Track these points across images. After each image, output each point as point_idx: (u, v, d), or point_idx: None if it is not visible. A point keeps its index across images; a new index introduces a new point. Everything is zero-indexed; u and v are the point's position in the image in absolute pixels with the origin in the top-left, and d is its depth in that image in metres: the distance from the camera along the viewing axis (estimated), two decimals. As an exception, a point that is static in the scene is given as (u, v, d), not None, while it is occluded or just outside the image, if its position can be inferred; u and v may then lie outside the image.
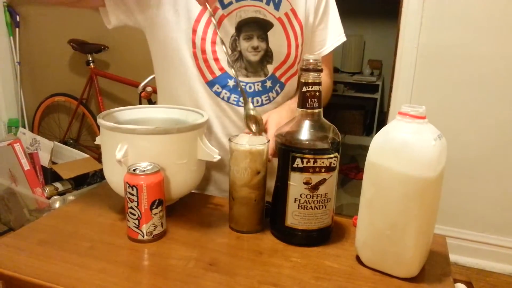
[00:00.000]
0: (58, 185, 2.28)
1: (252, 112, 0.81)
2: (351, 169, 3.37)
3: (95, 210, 0.83)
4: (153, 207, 0.70)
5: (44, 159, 2.37)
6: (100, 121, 0.77)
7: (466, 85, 2.03)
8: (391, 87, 2.19)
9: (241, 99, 0.91)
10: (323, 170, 0.68)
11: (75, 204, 0.87)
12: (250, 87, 0.92)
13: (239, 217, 0.76)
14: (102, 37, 2.75)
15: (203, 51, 0.87)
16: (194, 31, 0.87)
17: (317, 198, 0.69)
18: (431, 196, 0.61)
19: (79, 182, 2.35)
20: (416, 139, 0.60)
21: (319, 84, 0.69)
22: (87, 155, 2.47)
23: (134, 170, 0.69)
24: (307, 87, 0.68)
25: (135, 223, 0.70)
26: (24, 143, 2.37)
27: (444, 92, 2.07)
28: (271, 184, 0.76)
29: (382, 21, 3.93)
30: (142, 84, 2.29)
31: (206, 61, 0.88)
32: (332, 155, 0.68)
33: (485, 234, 2.18)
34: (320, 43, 1.01)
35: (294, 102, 0.94)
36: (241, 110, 0.90)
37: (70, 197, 2.19)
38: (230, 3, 0.87)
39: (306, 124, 0.70)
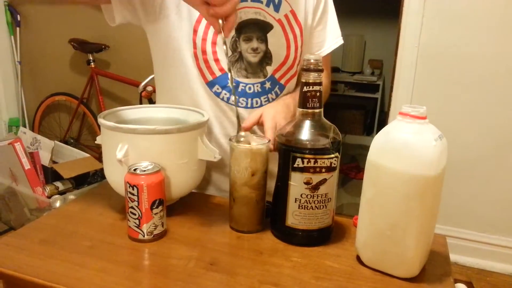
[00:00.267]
0: (58, 184, 2.29)
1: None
2: (352, 168, 3.37)
3: (95, 209, 0.83)
4: (154, 207, 0.70)
5: (45, 159, 2.38)
6: (100, 120, 0.78)
7: (466, 85, 2.03)
8: (391, 87, 2.19)
9: (241, 99, 0.91)
10: (323, 170, 0.68)
11: (76, 203, 0.87)
12: (249, 88, 0.92)
13: (239, 217, 0.76)
14: (102, 36, 2.75)
15: (204, 52, 0.87)
16: (195, 32, 0.87)
17: (317, 198, 0.69)
18: (431, 196, 0.61)
19: (79, 181, 2.36)
20: (417, 139, 0.60)
21: (319, 84, 0.69)
22: (87, 155, 2.47)
23: (134, 169, 0.69)
24: (307, 87, 0.68)
25: (135, 223, 0.70)
26: (24, 142, 2.38)
27: (445, 91, 2.07)
28: (271, 184, 0.76)
29: (383, 20, 3.92)
30: (143, 83, 2.29)
31: (206, 61, 0.88)
32: (332, 155, 0.68)
33: (485, 234, 2.18)
34: (318, 44, 1.00)
35: (289, 96, 0.94)
36: (241, 111, 0.90)
37: (71, 196, 2.20)
38: None
39: (307, 124, 0.69)
